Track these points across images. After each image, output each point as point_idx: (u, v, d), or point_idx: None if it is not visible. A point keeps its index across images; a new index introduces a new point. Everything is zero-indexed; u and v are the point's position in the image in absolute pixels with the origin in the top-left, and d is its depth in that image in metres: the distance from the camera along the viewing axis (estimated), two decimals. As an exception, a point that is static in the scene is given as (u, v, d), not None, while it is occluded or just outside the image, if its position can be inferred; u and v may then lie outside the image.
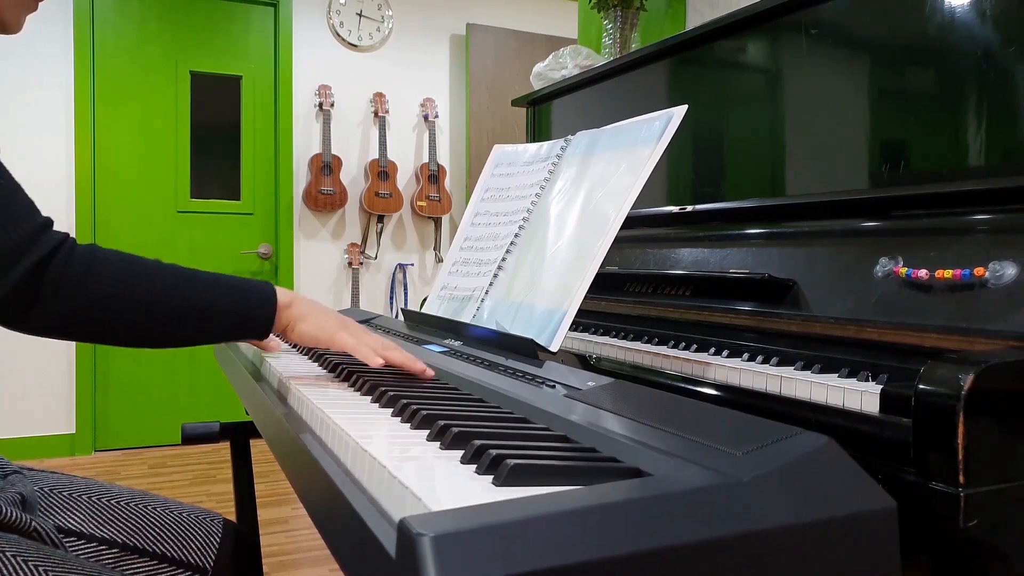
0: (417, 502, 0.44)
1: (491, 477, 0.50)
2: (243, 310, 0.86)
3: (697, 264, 1.24)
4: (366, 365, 0.95)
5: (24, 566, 0.77)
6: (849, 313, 0.91)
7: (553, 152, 1.16)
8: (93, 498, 1.01)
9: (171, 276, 0.83)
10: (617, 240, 0.94)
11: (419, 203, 4.42)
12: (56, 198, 3.73)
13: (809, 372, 0.88)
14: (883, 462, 0.69)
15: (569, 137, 1.14)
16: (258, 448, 2.97)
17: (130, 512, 1.02)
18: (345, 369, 0.93)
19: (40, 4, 0.97)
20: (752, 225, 1.18)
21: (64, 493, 1.00)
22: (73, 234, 3.91)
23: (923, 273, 0.85)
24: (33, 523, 0.86)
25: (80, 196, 3.78)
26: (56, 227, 0.82)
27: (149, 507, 1.04)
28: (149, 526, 1.01)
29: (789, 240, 1.09)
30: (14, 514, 0.85)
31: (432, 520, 0.36)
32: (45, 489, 1.00)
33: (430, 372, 0.91)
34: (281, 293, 0.89)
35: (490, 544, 0.35)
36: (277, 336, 0.95)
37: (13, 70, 3.68)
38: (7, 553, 0.77)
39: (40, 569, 0.77)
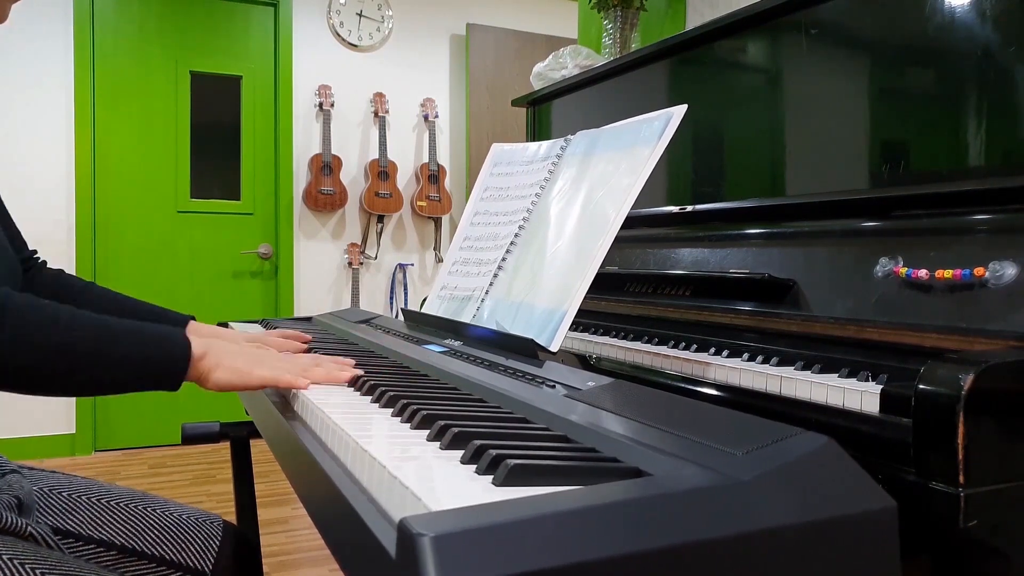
0: (417, 502, 0.44)
1: (491, 477, 0.50)
2: (155, 360, 0.83)
3: (697, 264, 1.24)
4: (368, 365, 0.95)
5: (21, 568, 0.77)
6: (849, 313, 0.92)
7: (553, 152, 1.16)
8: (93, 499, 1.01)
9: (87, 325, 0.80)
10: (617, 240, 0.94)
11: (419, 203, 4.42)
12: (56, 198, 3.73)
13: (809, 372, 0.88)
14: (883, 462, 0.69)
15: (569, 137, 1.14)
16: (258, 448, 2.97)
17: (130, 513, 1.02)
18: (345, 369, 0.92)
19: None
20: (752, 225, 1.18)
21: (64, 494, 1.00)
22: (73, 235, 3.89)
23: (923, 273, 0.85)
24: (29, 527, 0.86)
25: (80, 196, 3.78)
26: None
27: (149, 509, 1.04)
28: (148, 528, 1.01)
29: (789, 240, 1.09)
30: (9, 518, 0.84)
31: (432, 520, 0.36)
32: (44, 489, 1.00)
33: (358, 372, 0.90)
34: (196, 344, 0.85)
35: (490, 544, 0.35)
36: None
37: (13, 70, 3.68)
38: (3, 556, 0.77)
39: (36, 571, 0.77)
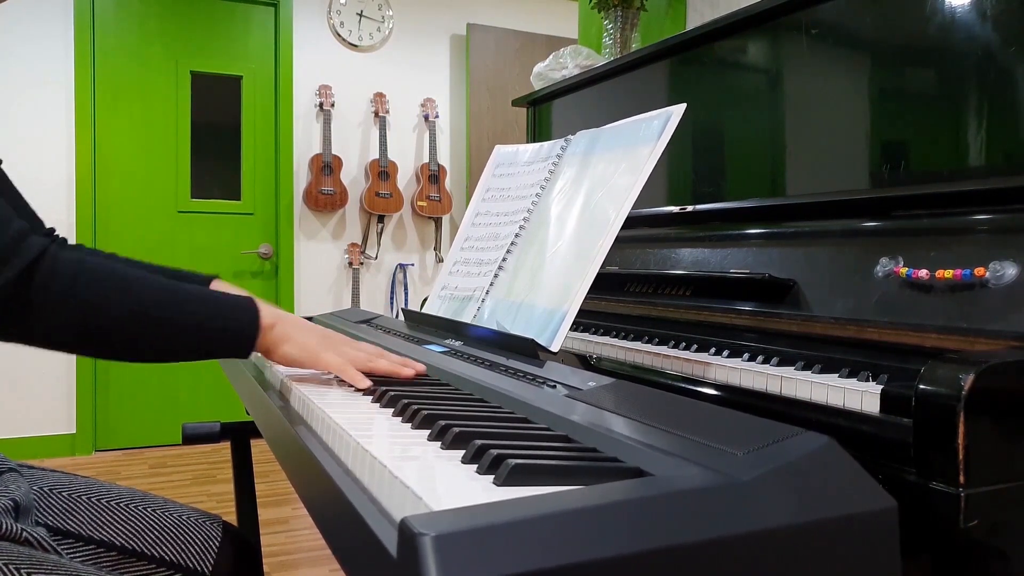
0: (418, 502, 0.44)
1: (492, 477, 0.50)
2: (227, 328, 0.83)
3: (697, 264, 1.24)
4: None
5: (16, 573, 0.77)
6: (850, 313, 0.92)
7: (553, 152, 1.16)
8: (93, 499, 1.01)
9: (157, 289, 0.81)
10: (617, 240, 0.94)
11: (419, 203, 4.42)
12: (56, 198, 3.73)
13: (809, 372, 0.88)
14: (883, 462, 0.69)
15: (569, 137, 1.14)
16: (258, 448, 2.97)
17: (130, 514, 1.01)
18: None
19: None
20: (752, 225, 1.18)
21: (64, 493, 1.00)
22: (74, 234, 3.89)
23: (924, 273, 0.85)
24: (24, 533, 0.86)
25: (80, 196, 3.78)
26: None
27: (149, 509, 1.03)
28: (148, 529, 1.01)
29: (789, 240, 1.09)
30: (5, 523, 0.84)
31: (433, 520, 0.36)
32: (44, 489, 1.00)
33: (421, 368, 0.91)
34: (265, 313, 0.86)
35: (491, 544, 0.35)
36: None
37: (14, 70, 3.68)
38: None
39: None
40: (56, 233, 1.18)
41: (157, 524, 1.02)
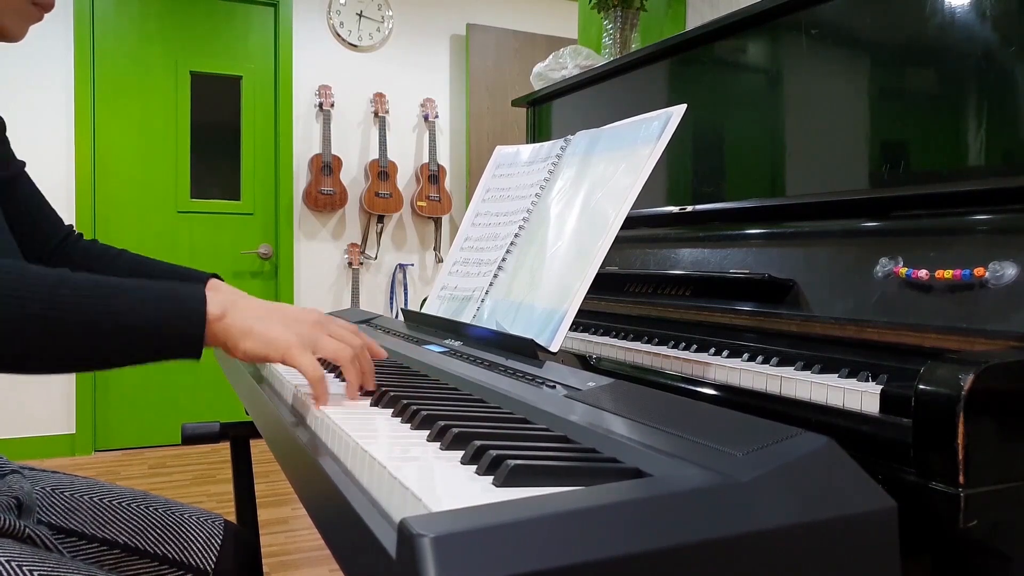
0: (417, 503, 0.44)
1: (491, 478, 0.50)
2: (165, 324, 0.70)
3: (697, 264, 1.24)
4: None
5: (19, 570, 0.77)
6: (849, 313, 0.92)
7: (553, 152, 1.16)
8: (95, 498, 1.01)
9: (72, 286, 0.69)
10: (617, 240, 0.94)
11: (419, 203, 4.42)
12: (56, 198, 3.73)
13: (809, 372, 0.88)
14: (883, 462, 0.69)
15: (569, 137, 1.14)
16: (258, 448, 2.97)
17: (132, 513, 1.02)
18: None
19: (45, 15, 0.94)
20: (752, 225, 1.18)
21: (66, 493, 1.00)
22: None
23: (923, 273, 0.85)
24: (27, 530, 0.86)
25: (80, 196, 3.78)
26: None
27: (151, 508, 1.04)
28: (150, 527, 1.01)
29: (789, 240, 1.09)
30: (8, 520, 0.84)
31: (432, 521, 0.36)
32: (47, 489, 1.00)
33: (383, 353, 0.85)
34: (213, 303, 0.73)
35: (490, 545, 0.35)
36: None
37: (14, 70, 3.68)
38: (0, 559, 0.77)
39: (34, 573, 0.77)
40: (73, 231, 1.18)
41: (159, 522, 1.02)
